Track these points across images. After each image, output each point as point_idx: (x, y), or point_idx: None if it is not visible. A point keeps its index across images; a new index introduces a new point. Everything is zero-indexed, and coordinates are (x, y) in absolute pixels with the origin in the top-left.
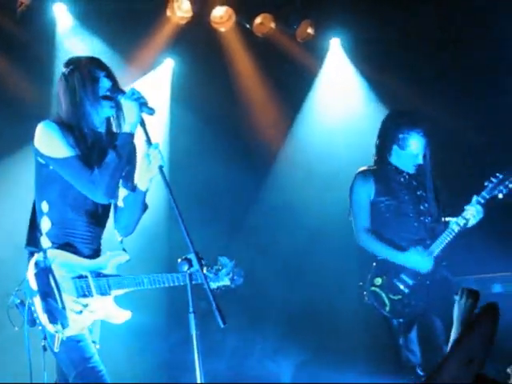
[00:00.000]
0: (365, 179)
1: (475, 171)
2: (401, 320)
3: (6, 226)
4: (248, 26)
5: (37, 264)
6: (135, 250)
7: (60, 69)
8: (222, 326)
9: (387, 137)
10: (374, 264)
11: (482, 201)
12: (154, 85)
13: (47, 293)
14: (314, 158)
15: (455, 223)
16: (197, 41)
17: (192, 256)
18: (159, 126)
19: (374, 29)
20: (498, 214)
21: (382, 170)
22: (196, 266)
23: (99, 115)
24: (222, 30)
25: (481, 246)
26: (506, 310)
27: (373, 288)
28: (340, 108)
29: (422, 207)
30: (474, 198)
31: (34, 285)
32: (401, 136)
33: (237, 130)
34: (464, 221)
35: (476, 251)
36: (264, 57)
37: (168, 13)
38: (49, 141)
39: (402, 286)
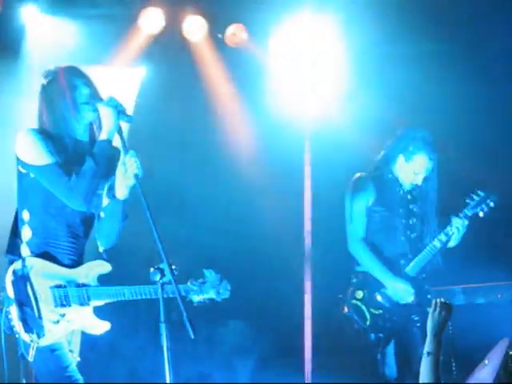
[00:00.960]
0: (365, 186)
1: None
2: (380, 335)
3: None
4: (220, 36)
5: (14, 272)
6: (117, 261)
7: (30, 80)
8: (193, 337)
9: (399, 144)
10: (355, 276)
11: (464, 217)
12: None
13: (23, 301)
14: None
15: (437, 239)
16: (168, 51)
17: (164, 265)
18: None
19: None
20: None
21: (382, 178)
22: (168, 276)
23: (79, 123)
24: (194, 40)
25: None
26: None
27: (354, 301)
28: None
29: (410, 221)
30: (457, 215)
31: (10, 293)
32: (411, 149)
33: (207, 140)
34: (446, 237)
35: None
36: (236, 67)
37: (140, 22)
38: (29, 148)
39: (383, 301)
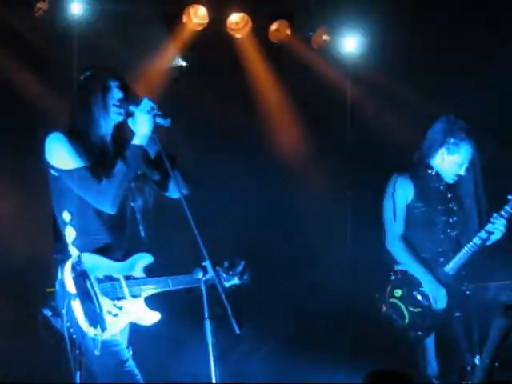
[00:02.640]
0: (405, 182)
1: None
2: (419, 333)
3: None
4: (264, 32)
5: (74, 268)
6: (158, 252)
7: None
8: (238, 331)
9: (437, 139)
10: (393, 275)
11: (506, 215)
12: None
13: (86, 296)
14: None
15: (477, 237)
16: (213, 47)
17: (207, 263)
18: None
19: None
20: None
21: (422, 174)
22: (211, 273)
23: (107, 124)
24: (238, 36)
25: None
26: None
27: (392, 299)
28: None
29: (451, 220)
30: (498, 212)
31: (71, 288)
32: (452, 140)
33: (252, 138)
34: (486, 234)
35: (499, 259)
36: (280, 63)
37: (184, 19)
38: (57, 153)
39: (422, 299)
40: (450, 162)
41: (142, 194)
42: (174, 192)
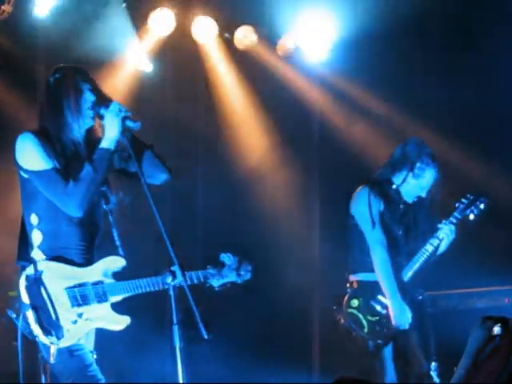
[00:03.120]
0: (376, 196)
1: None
2: (379, 341)
3: None
4: (228, 36)
5: (27, 277)
6: (132, 255)
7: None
8: (206, 337)
9: (404, 162)
10: (349, 286)
11: (454, 221)
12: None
13: (39, 305)
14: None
15: (429, 243)
16: (178, 51)
17: (176, 268)
18: None
19: None
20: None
21: (385, 188)
22: (180, 278)
23: (80, 127)
24: (204, 41)
25: (462, 262)
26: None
27: (350, 310)
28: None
29: (408, 235)
30: (446, 220)
31: (25, 298)
32: (419, 165)
33: (216, 141)
34: (437, 241)
35: (457, 267)
36: (245, 69)
37: (150, 22)
38: (26, 154)
39: (378, 308)
40: (414, 184)
41: (116, 195)
42: (156, 176)
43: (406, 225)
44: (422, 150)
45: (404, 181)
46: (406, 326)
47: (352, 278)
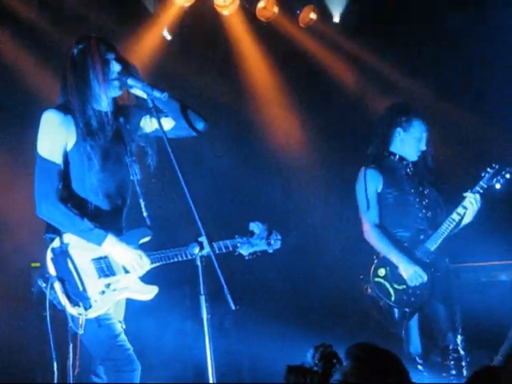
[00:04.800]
0: (372, 173)
1: (472, 163)
2: (406, 310)
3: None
4: (251, 9)
5: (53, 250)
6: (158, 226)
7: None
8: (234, 308)
9: (390, 122)
10: (375, 256)
11: (481, 190)
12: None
13: (65, 277)
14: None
15: (455, 212)
16: (200, 23)
17: (203, 238)
18: None
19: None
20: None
21: (385, 162)
22: (207, 248)
23: (107, 97)
24: (226, 13)
25: (485, 234)
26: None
27: (376, 279)
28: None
29: (424, 202)
30: (472, 189)
31: (52, 270)
32: (404, 118)
33: (238, 114)
34: (464, 210)
35: (480, 239)
36: (267, 41)
37: None
38: (40, 133)
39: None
40: (409, 140)
41: (142, 164)
42: (194, 126)
43: (419, 191)
44: (401, 107)
45: (400, 140)
46: (419, 282)
47: None
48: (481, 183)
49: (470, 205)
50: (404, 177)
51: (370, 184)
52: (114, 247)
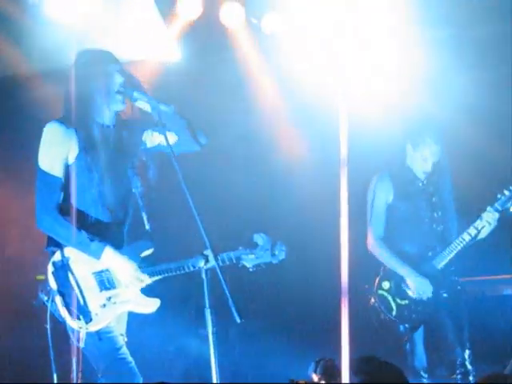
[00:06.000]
0: (384, 184)
1: (488, 182)
2: (406, 325)
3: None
4: (255, 21)
5: (54, 263)
6: (160, 239)
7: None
8: (239, 321)
9: (404, 134)
10: (382, 267)
11: (496, 212)
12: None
13: (66, 290)
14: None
15: (466, 233)
16: (206, 37)
17: (209, 252)
18: None
19: None
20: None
21: (398, 172)
22: (212, 261)
23: (110, 110)
24: (232, 26)
25: (491, 249)
26: None
27: (380, 291)
28: None
29: (435, 214)
30: (488, 208)
31: (53, 284)
32: (414, 135)
33: (244, 126)
34: (475, 231)
35: (487, 253)
36: (273, 54)
37: (178, 8)
38: (41, 146)
39: (409, 292)
40: (416, 157)
41: (144, 177)
42: (195, 142)
43: (432, 202)
44: (418, 121)
45: (410, 156)
46: (430, 295)
47: None
48: (496, 205)
49: (487, 224)
50: (418, 188)
51: (379, 195)
52: (112, 260)
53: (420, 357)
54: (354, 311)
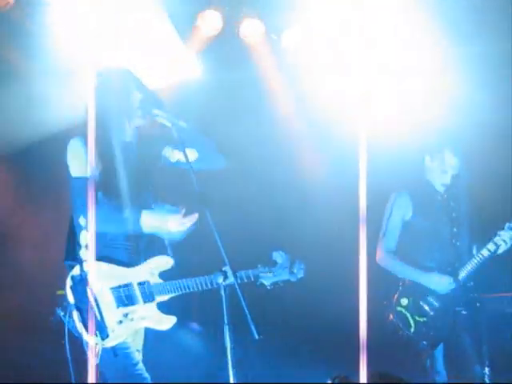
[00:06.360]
0: (402, 199)
1: (507, 198)
2: (424, 342)
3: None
4: (275, 37)
5: (72, 278)
6: (179, 256)
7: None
8: (257, 337)
9: (423, 146)
10: (401, 284)
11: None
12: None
13: (84, 306)
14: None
15: (485, 249)
16: (226, 52)
17: (227, 268)
18: None
19: None
20: None
21: (418, 187)
22: (231, 278)
23: (130, 127)
24: (251, 42)
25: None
26: None
27: (399, 308)
28: None
29: (455, 229)
30: (507, 225)
31: (71, 298)
32: (434, 147)
33: (264, 141)
34: (494, 246)
35: (507, 270)
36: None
37: (198, 23)
38: (68, 160)
39: (427, 308)
40: (434, 169)
41: (161, 194)
42: (215, 162)
43: (452, 217)
44: (438, 133)
45: (428, 169)
46: (451, 287)
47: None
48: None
49: (503, 242)
50: (437, 203)
51: (396, 211)
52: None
53: (441, 373)
54: (372, 328)
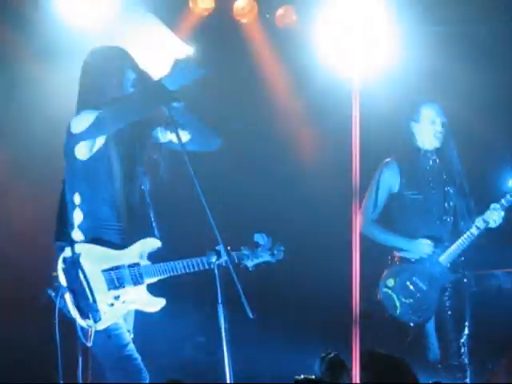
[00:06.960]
0: (391, 172)
1: (498, 175)
2: (411, 324)
3: None
4: (268, 16)
5: (64, 260)
6: (167, 238)
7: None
8: (251, 316)
9: (405, 115)
10: (390, 261)
11: (506, 205)
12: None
13: (76, 288)
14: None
15: (475, 226)
16: (218, 32)
17: (221, 247)
18: None
19: None
20: None
21: (409, 158)
22: (224, 256)
23: None
24: (244, 21)
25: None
26: None
27: (385, 289)
28: None
29: (446, 205)
30: (498, 202)
31: (63, 280)
32: (412, 112)
33: (256, 120)
34: (484, 224)
35: (502, 246)
36: (287, 49)
37: (190, 4)
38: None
39: (414, 290)
40: (422, 128)
41: (153, 174)
42: (210, 142)
43: (444, 191)
44: (414, 99)
45: (417, 133)
46: (430, 252)
47: (396, 252)
48: (508, 197)
49: (492, 220)
50: (428, 174)
51: (382, 184)
52: None
53: (432, 349)
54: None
